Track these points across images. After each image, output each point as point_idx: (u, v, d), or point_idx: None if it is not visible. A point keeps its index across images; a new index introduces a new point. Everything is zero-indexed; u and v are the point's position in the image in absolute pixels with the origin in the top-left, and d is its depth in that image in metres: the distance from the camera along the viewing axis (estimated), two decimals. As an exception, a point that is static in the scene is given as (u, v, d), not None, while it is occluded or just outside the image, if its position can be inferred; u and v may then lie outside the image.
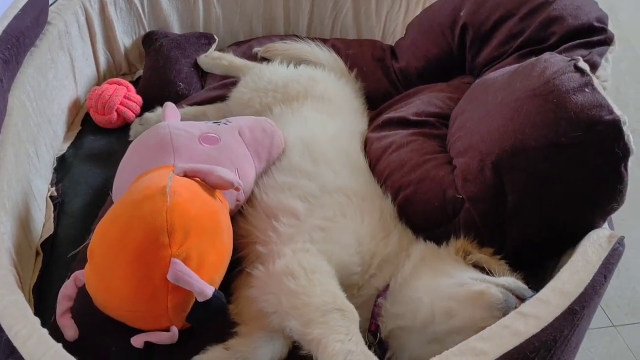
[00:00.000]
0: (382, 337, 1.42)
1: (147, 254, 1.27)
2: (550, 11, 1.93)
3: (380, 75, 2.43)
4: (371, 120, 2.17)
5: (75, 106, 2.33)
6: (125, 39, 2.55)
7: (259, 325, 1.42)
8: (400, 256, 1.53)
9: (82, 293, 1.38)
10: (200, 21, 2.68)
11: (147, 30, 2.59)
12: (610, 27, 1.86)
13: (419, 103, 2.06)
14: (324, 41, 2.55)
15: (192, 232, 1.32)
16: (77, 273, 1.41)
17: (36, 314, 1.24)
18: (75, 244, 1.75)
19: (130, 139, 2.13)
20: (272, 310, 1.36)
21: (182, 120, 1.89)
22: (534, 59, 1.66)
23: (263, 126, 1.78)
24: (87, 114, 2.32)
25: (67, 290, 1.39)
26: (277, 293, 1.34)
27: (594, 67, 1.69)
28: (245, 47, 2.61)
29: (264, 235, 1.56)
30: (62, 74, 2.20)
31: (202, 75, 2.48)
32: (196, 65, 2.47)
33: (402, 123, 1.96)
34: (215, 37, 2.59)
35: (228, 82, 2.34)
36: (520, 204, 1.50)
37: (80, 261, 1.64)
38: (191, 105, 2.25)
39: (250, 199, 1.69)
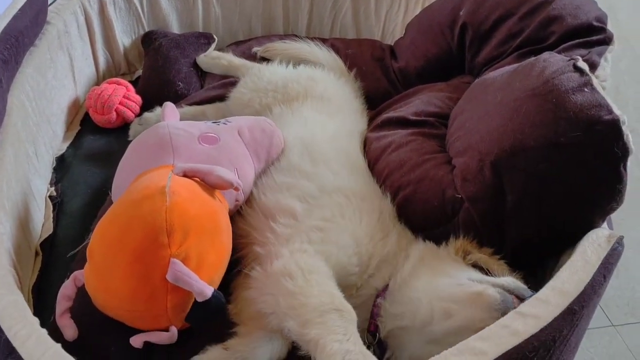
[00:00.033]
0: (381, 337, 1.42)
1: (147, 254, 1.27)
2: (549, 11, 1.93)
3: (380, 75, 2.43)
4: (370, 120, 2.17)
5: (75, 106, 2.33)
6: (124, 38, 2.55)
7: (258, 325, 1.42)
8: (399, 256, 1.53)
9: (82, 293, 1.38)
10: (199, 21, 2.68)
11: (147, 29, 2.59)
12: (610, 26, 1.86)
13: (418, 103, 2.06)
14: (324, 41, 2.55)
15: (192, 232, 1.32)
16: (76, 273, 1.41)
17: (35, 314, 1.24)
18: (74, 243, 1.74)
19: (129, 139, 2.13)
20: (270, 311, 1.37)
21: (181, 120, 1.88)
22: (533, 58, 1.66)
23: (262, 126, 1.78)
24: (87, 114, 2.32)
25: (66, 290, 1.39)
26: (274, 294, 1.35)
27: (593, 66, 1.69)
28: (244, 47, 2.61)
29: (262, 236, 1.56)
30: (62, 74, 2.20)
31: (202, 75, 2.48)
32: (195, 65, 2.47)
33: (402, 123, 1.96)
34: (215, 36, 2.58)
35: (227, 81, 2.34)
36: (519, 203, 1.50)
37: (79, 261, 1.64)
38: (190, 105, 2.25)
39: (248, 200, 1.69)
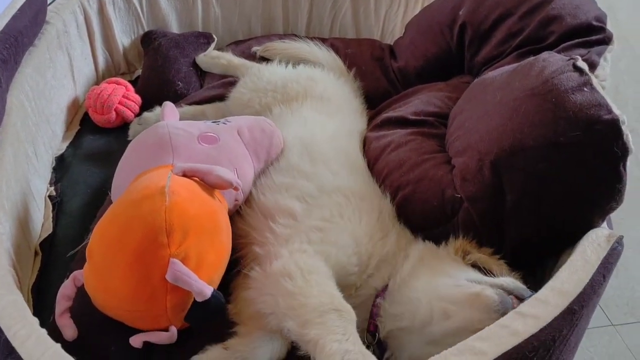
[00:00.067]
0: (381, 338, 1.42)
1: (146, 254, 1.27)
2: (549, 10, 1.93)
3: (379, 75, 2.43)
4: (370, 119, 2.17)
5: (74, 106, 2.33)
6: (123, 38, 2.55)
7: (258, 325, 1.42)
8: (399, 256, 1.53)
9: (81, 293, 1.38)
10: (199, 20, 2.68)
11: (146, 29, 2.59)
12: (609, 26, 1.86)
13: (417, 102, 2.06)
14: (323, 40, 2.55)
15: (191, 231, 1.32)
16: (76, 273, 1.41)
17: (35, 314, 1.24)
18: (74, 243, 1.74)
19: (129, 139, 2.14)
20: (270, 311, 1.37)
21: (180, 119, 1.88)
22: (532, 58, 1.66)
23: (262, 126, 1.78)
24: (86, 114, 2.32)
25: (66, 290, 1.39)
26: (274, 294, 1.35)
27: (592, 66, 1.69)
28: (244, 47, 2.61)
29: (261, 236, 1.56)
30: (61, 74, 2.20)
31: (201, 74, 2.48)
32: (195, 65, 2.47)
33: (401, 122, 1.96)
34: (214, 36, 2.58)
35: (227, 81, 2.34)
36: (519, 203, 1.50)
37: (79, 261, 1.64)
38: (190, 104, 2.25)
39: (248, 200, 1.69)
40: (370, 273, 1.50)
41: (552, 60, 1.58)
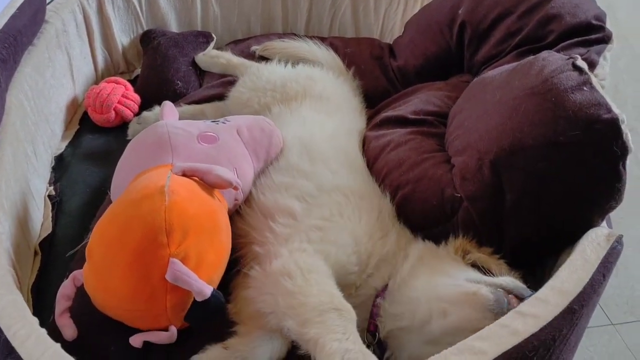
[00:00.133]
0: (381, 337, 1.42)
1: (146, 254, 1.27)
2: (548, 9, 1.93)
3: (379, 74, 2.43)
4: (369, 118, 2.17)
5: (73, 105, 2.33)
6: (123, 37, 2.55)
7: (258, 324, 1.42)
8: (399, 256, 1.53)
9: (81, 292, 1.38)
10: (198, 20, 2.68)
11: (145, 28, 2.58)
12: (609, 25, 1.86)
13: (417, 102, 2.06)
14: (322, 39, 2.55)
15: (191, 231, 1.32)
16: (75, 272, 1.41)
17: (35, 313, 1.24)
18: (73, 243, 1.74)
19: (128, 138, 2.14)
20: (270, 310, 1.37)
21: (180, 119, 1.88)
22: (532, 57, 1.66)
23: (261, 125, 1.78)
24: (85, 113, 2.32)
25: (65, 290, 1.39)
26: (274, 293, 1.35)
27: (592, 65, 1.69)
28: (243, 46, 2.61)
29: (261, 236, 1.56)
30: (60, 73, 2.20)
31: (200, 73, 2.48)
32: (194, 64, 2.47)
33: (401, 122, 1.96)
34: (213, 35, 2.58)
35: (226, 80, 2.34)
36: (518, 202, 1.50)
37: (78, 260, 1.64)
38: (189, 104, 2.25)
39: (247, 199, 1.69)
40: (370, 272, 1.50)
41: (551, 59, 1.58)
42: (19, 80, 1.86)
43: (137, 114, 2.26)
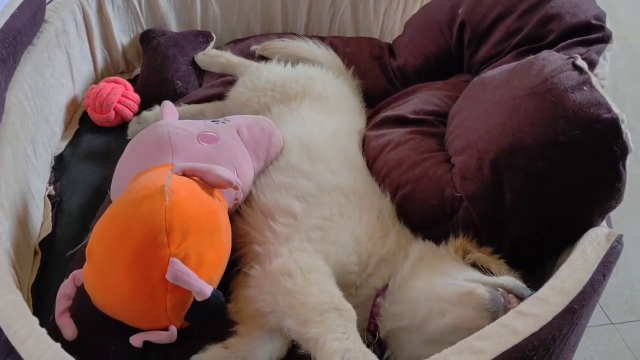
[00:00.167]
0: (381, 337, 1.42)
1: (146, 254, 1.27)
2: (548, 9, 1.93)
3: (378, 73, 2.43)
4: (369, 118, 2.17)
5: (73, 105, 2.33)
6: (122, 37, 2.55)
7: (258, 324, 1.42)
8: (399, 255, 1.53)
9: (81, 292, 1.38)
10: (197, 19, 2.68)
11: (145, 28, 2.58)
12: (608, 24, 1.86)
13: (417, 101, 2.06)
14: (322, 39, 2.55)
15: (191, 231, 1.32)
16: (75, 272, 1.41)
17: (35, 313, 1.24)
18: (73, 243, 1.74)
19: (128, 138, 2.13)
20: (270, 309, 1.37)
21: (180, 118, 1.88)
22: (532, 57, 1.66)
23: (261, 125, 1.78)
24: (85, 113, 2.32)
25: (65, 290, 1.39)
26: (274, 293, 1.35)
27: (592, 65, 1.69)
28: (242, 45, 2.61)
29: (261, 236, 1.56)
30: (60, 73, 2.20)
31: (200, 73, 2.48)
32: (194, 64, 2.47)
33: (400, 121, 1.96)
34: (213, 35, 2.58)
35: (226, 80, 2.34)
36: (518, 202, 1.50)
37: (78, 260, 1.64)
38: (189, 103, 2.25)
39: (247, 199, 1.69)
40: (370, 272, 1.51)
41: (551, 59, 1.58)
42: (18, 79, 1.86)
43: (137, 114, 2.25)
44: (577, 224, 1.47)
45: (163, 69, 2.38)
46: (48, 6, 2.18)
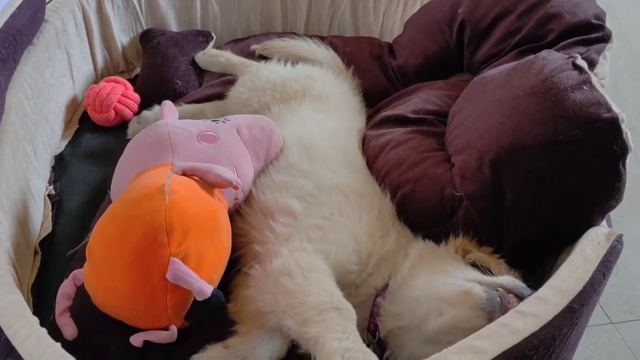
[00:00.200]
0: (381, 337, 1.42)
1: (146, 253, 1.27)
2: (547, 8, 1.93)
3: (378, 73, 2.43)
4: (369, 117, 2.17)
5: (73, 104, 2.33)
6: (122, 36, 2.55)
7: (258, 323, 1.42)
8: (399, 255, 1.53)
9: (81, 292, 1.38)
10: (197, 19, 2.68)
11: (145, 28, 2.58)
12: (608, 24, 1.86)
13: (417, 101, 2.06)
14: (322, 39, 2.55)
15: (191, 231, 1.32)
16: (75, 272, 1.41)
17: (35, 313, 1.24)
18: (73, 242, 1.74)
19: (128, 138, 2.14)
20: (270, 309, 1.37)
21: (180, 118, 1.88)
22: (532, 56, 1.66)
23: (261, 124, 1.78)
24: (85, 112, 2.32)
25: (65, 289, 1.39)
26: (274, 292, 1.35)
27: (592, 64, 1.69)
28: (242, 45, 2.60)
29: (261, 235, 1.56)
30: (60, 72, 2.20)
31: (200, 73, 2.48)
32: (194, 63, 2.47)
33: (400, 121, 1.96)
34: (213, 34, 2.58)
35: (226, 79, 2.34)
36: (518, 201, 1.50)
37: (78, 260, 1.64)
38: (189, 103, 2.25)
39: (247, 198, 1.69)
40: (370, 272, 1.51)
41: (551, 58, 1.58)
42: (18, 79, 1.86)
43: (137, 113, 2.26)
44: (577, 223, 1.47)
45: (163, 68, 2.38)
46: (48, 6, 2.18)
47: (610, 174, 1.42)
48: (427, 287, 1.39)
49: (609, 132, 1.39)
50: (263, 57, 2.47)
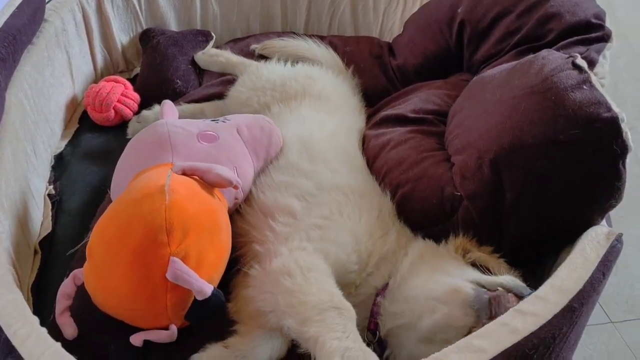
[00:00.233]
0: (381, 336, 1.42)
1: (146, 253, 1.27)
2: (547, 8, 1.93)
3: (378, 73, 2.43)
4: (369, 117, 2.17)
5: (73, 104, 2.33)
6: (122, 36, 2.55)
7: (258, 323, 1.42)
8: (399, 254, 1.53)
9: (81, 291, 1.38)
10: (197, 18, 2.67)
11: (144, 27, 2.58)
12: (608, 23, 1.86)
13: (416, 100, 2.06)
14: (322, 38, 2.55)
15: (191, 230, 1.32)
16: (76, 271, 1.41)
17: (35, 312, 1.24)
18: (73, 242, 1.74)
19: (128, 137, 2.14)
20: (270, 309, 1.37)
21: (179, 118, 1.88)
22: (531, 56, 1.66)
23: (261, 124, 1.78)
24: (85, 112, 2.32)
25: (66, 289, 1.39)
26: (273, 292, 1.35)
27: (591, 64, 1.69)
28: (242, 44, 2.60)
29: (261, 235, 1.56)
30: (59, 72, 2.20)
31: (200, 72, 2.48)
32: (193, 63, 2.47)
33: (400, 120, 1.96)
34: (213, 34, 2.58)
35: (225, 79, 2.34)
36: (518, 201, 1.50)
37: (78, 259, 1.64)
38: (189, 102, 2.25)
39: (247, 198, 1.69)
40: (370, 271, 1.51)
41: (551, 58, 1.58)
42: (18, 79, 1.86)
43: (137, 113, 2.25)
44: (577, 222, 1.47)
45: (163, 68, 2.37)
46: (48, 5, 2.18)
47: (610, 173, 1.42)
48: (425, 286, 1.39)
49: (608, 131, 1.39)
50: (263, 57, 2.47)
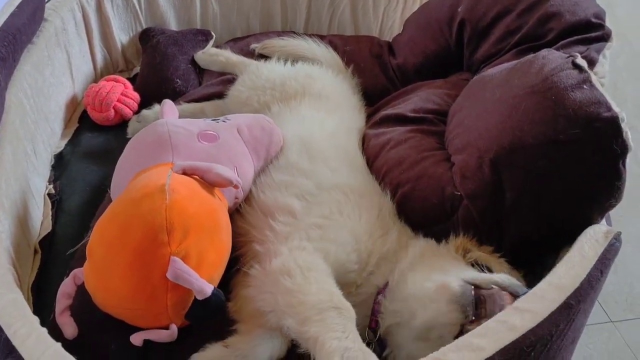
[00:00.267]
0: (381, 334, 1.42)
1: (147, 253, 1.27)
2: (547, 7, 1.93)
3: (378, 72, 2.42)
4: (369, 116, 2.17)
5: (73, 103, 2.33)
6: (122, 35, 2.55)
7: (258, 323, 1.42)
8: (399, 254, 1.53)
9: (81, 291, 1.38)
10: (197, 18, 2.67)
11: (144, 26, 2.58)
12: (608, 23, 1.86)
13: (416, 100, 2.06)
14: (322, 37, 2.56)
15: (191, 230, 1.32)
16: (76, 271, 1.41)
17: (35, 312, 1.24)
18: (73, 241, 1.74)
19: (127, 137, 2.13)
20: (269, 309, 1.37)
21: (180, 117, 1.88)
22: (531, 55, 1.66)
23: (261, 124, 1.78)
24: (85, 111, 2.32)
25: (66, 288, 1.39)
26: (273, 292, 1.35)
27: (591, 63, 1.69)
28: (242, 44, 2.60)
29: (261, 234, 1.56)
30: (59, 71, 2.20)
31: (200, 72, 2.48)
32: (193, 62, 2.47)
33: (400, 120, 1.96)
34: (213, 33, 2.58)
35: (225, 79, 2.34)
36: (518, 201, 1.50)
37: (79, 259, 1.64)
38: (189, 102, 2.25)
39: (247, 198, 1.69)
40: (370, 271, 1.51)
41: (551, 57, 1.58)
42: (18, 78, 1.86)
43: (137, 113, 2.26)
44: (577, 222, 1.47)
45: (162, 67, 2.38)
46: (47, 5, 2.18)
47: (610, 172, 1.43)
48: (422, 285, 1.39)
49: (608, 131, 1.39)
50: (263, 56, 2.47)
